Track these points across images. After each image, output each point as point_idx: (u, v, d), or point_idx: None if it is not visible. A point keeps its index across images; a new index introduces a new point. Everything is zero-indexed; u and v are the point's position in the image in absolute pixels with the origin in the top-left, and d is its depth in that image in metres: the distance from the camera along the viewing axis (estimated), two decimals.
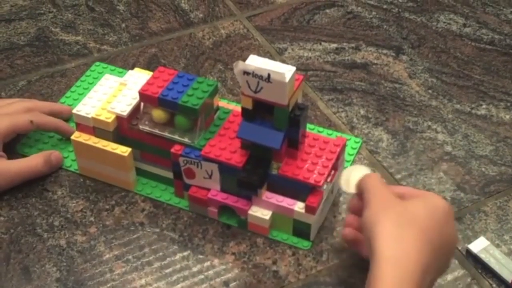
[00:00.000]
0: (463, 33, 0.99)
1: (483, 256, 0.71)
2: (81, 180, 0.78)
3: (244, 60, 0.66)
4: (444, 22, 1.01)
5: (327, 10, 1.02)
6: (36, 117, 0.78)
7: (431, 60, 0.94)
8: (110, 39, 0.96)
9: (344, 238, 0.69)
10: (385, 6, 1.03)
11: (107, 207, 0.75)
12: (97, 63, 0.91)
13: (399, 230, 0.59)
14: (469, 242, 0.72)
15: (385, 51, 0.96)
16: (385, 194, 0.63)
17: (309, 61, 0.94)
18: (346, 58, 0.94)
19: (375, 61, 0.94)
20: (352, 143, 0.82)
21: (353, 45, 0.96)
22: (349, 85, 0.90)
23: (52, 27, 0.98)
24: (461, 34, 0.99)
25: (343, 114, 0.86)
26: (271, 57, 0.93)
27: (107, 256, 0.71)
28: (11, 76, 0.90)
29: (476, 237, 0.73)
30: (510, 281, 0.69)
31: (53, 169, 0.78)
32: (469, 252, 0.72)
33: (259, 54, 0.93)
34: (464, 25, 1.00)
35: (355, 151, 0.81)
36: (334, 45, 0.96)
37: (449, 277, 0.70)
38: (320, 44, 0.96)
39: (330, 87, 0.90)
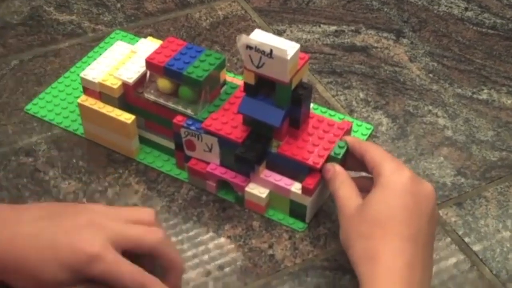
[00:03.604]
0: (465, 17, 0.97)
1: None
2: (74, 161, 0.76)
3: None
4: (446, 6, 0.99)
5: None
6: (154, 241, 0.58)
7: (432, 44, 0.93)
8: (105, 19, 0.94)
9: (324, 171, 0.67)
10: None
11: (100, 188, 0.74)
12: (117, 31, 0.92)
13: (369, 247, 0.59)
14: (470, 230, 0.71)
15: (385, 34, 0.94)
16: (349, 207, 0.63)
17: (308, 43, 0.92)
18: (346, 41, 0.93)
19: (375, 44, 0.92)
20: (363, 129, 0.80)
21: (353, 28, 0.95)
22: (349, 68, 0.89)
23: (46, 6, 0.96)
24: (462, 18, 0.97)
25: (342, 97, 0.85)
26: None
27: None
28: (3, 55, 0.88)
29: (477, 222, 0.71)
30: None
31: None
32: None
33: None
34: (466, 9, 0.98)
35: (365, 137, 0.79)
36: (333, 28, 0.94)
37: (449, 262, 0.68)
38: (319, 26, 0.94)
39: (329, 69, 0.88)
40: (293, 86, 0.65)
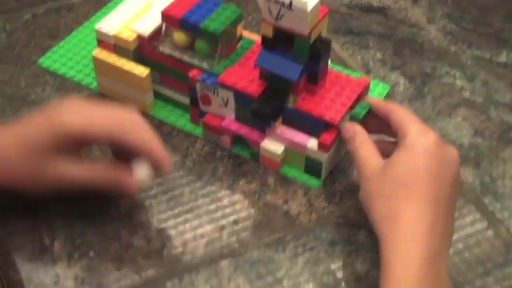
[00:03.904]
0: None
1: None
2: None
3: None
4: None
5: None
6: (127, 123, 0.62)
7: (450, 6, 0.91)
8: None
9: (344, 131, 0.66)
10: None
11: None
12: None
13: (392, 206, 0.59)
14: (487, 190, 0.70)
15: None
16: (371, 167, 0.62)
17: (324, 2, 0.90)
18: (363, 1, 0.91)
19: (393, 6, 0.91)
20: (380, 88, 0.79)
21: None
22: (366, 28, 0.87)
23: None
24: None
25: (358, 57, 0.84)
26: None
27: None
28: (16, 9, 0.87)
29: (494, 183, 0.70)
30: None
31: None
32: None
33: None
34: None
35: (382, 97, 0.78)
36: None
37: (465, 221, 0.67)
38: None
39: (346, 29, 0.87)
40: (312, 39, 0.64)
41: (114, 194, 0.66)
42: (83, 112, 0.61)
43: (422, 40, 0.86)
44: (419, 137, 0.61)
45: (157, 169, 0.63)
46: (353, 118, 0.67)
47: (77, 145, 0.62)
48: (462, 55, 0.85)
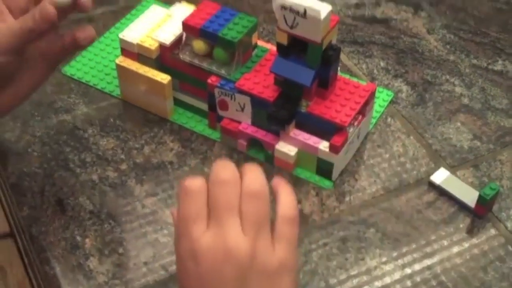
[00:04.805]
0: None
1: (445, 185, 0.74)
2: (111, 120, 0.80)
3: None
4: None
5: None
6: None
7: (449, 17, 0.97)
8: None
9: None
10: None
11: (137, 146, 0.78)
12: None
13: None
14: (483, 188, 0.75)
15: (404, 7, 0.98)
16: None
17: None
18: (367, 12, 0.97)
19: (395, 17, 0.96)
20: (384, 95, 0.85)
21: (373, 0, 0.98)
22: (369, 38, 0.93)
23: None
24: None
25: (363, 66, 0.89)
26: None
27: (138, 191, 0.74)
28: None
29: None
30: (473, 206, 0.72)
31: (42, 25, 0.65)
32: (431, 183, 0.75)
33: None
34: None
35: (386, 103, 0.84)
36: (354, 0, 0.98)
37: (466, 220, 0.73)
38: None
39: (351, 39, 0.92)
40: (324, 46, 0.69)
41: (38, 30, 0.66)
42: None
43: (423, 49, 0.91)
44: None
45: None
46: (482, 198, 0.71)
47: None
48: (461, 63, 0.90)
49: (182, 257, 0.52)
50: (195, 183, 0.52)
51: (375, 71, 0.88)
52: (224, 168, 0.53)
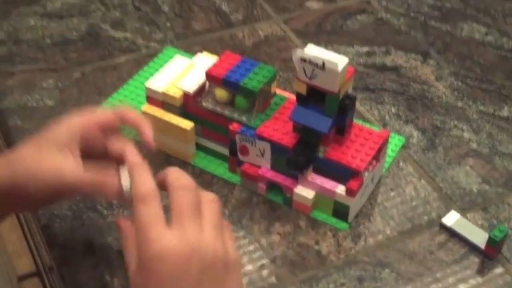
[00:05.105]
0: (486, 41, 1.06)
1: (456, 227, 0.78)
2: None
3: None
4: (468, 31, 1.07)
5: (358, 16, 1.09)
6: (120, 110, 0.71)
7: (456, 65, 1.01)
8: (157, 36, 1.03)
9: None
10: (412, 14, 1.10)
11: None
12: (169, 48, 1.00)
13: None
14: (493, 230, 0.78)
15: (413, 55, 1.02)
16: None
17: None
18: (377, 61, 1.01)
19: (404, 64, 1.01)
20: (396, 140, 0.89)
21: (383, 49, 1.03)
22: (381, 85, 0.97)
23: (102, 24, 1.05)
24: (483, 42, 1.05)
25: (375, 112, 0.93)
26: None
27: None
28: (66, 68, 0.97)
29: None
30: (484, 248, 0.76)
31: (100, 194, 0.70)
32: (443, 225, 0.78)
33: None
34: (486, 34, 1.07)
35: (398, 148, 0.88)
36: (365, 49, 1.03)
37: (476, 260, 0.76)
38: (353, 47, 1.03)
39: (363, 86, 0.97)
40: (341, 96, 0.73)
41: (97, 196, 0.72)
42: (82, 113, 0.70)
43: (432, 96, 0.96)
44: None
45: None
46: (492, 240, 0.74)
47: (77, 144, 0.67)
48: (468, 109, 0.94)
49: (147, 261, 0.56)
50: (150, 190, 0.59)
51: (386, 117, 0.92)
52: (183, 175, 0.61)
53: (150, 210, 0.58)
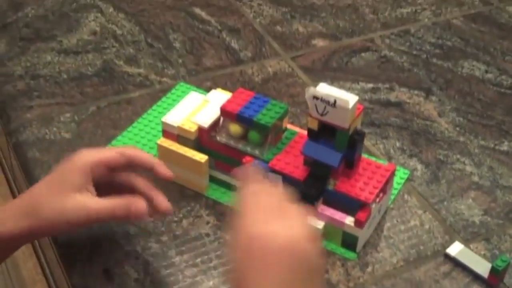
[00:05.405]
0: (485, 79, 1.10)
1: (460, 257, 0.81)
2: None
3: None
4: (468, 68, 1.12)
5: (363, 54, 1.13)
6: (128, 151, 0.78)
7: (457, 101, 1.05)
8: (169, 72, 1.07)
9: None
10: (414, 52, 1.14)
11: (176, 219, 0.85)
12: (181, 83, 1.04)
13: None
14: (495, 259, 0.82)
15: (416, 92, 1.06)
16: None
17: None
18: (382, 97, 1.05)
19: (408, 100, 1.05)
20: (401, 173, 0.92)
21: (387, 85, 1.07)
22: (385, 120, 1.01)
23: (116, 60, 1.09)
24: (483, 79, 1.10)
25: (381, 146, 0.97)
26: None
27: (178, 261, 0.80)
28: (82, 102, 1.01)
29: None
30: (487, 277, 0.78)
31: (131, 219, 0.77)
32: (447, 255, 0.82)
33: (303, 91, 1.03)
34: (486, 71, 1.11)
35: (403, 181, 0.91)
36: (370, 85, 1.07)
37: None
38: (358, 83, 1.07)
39: (368, 122, 1.00)
40: (350, 132, 0.77)
41: (123, 218, 0.76)
42: (96, 149, 0.78)
43: (435, 131, 1.00)
44: None
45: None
46: (495, 269, 0.77)
47: (91, 183, 0.75)
48: (470, 144, 0.98)
49: (248, 241, 0.62)
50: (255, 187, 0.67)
51: (391, 151, 0.96)
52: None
53: (262, 201, 0.66)
